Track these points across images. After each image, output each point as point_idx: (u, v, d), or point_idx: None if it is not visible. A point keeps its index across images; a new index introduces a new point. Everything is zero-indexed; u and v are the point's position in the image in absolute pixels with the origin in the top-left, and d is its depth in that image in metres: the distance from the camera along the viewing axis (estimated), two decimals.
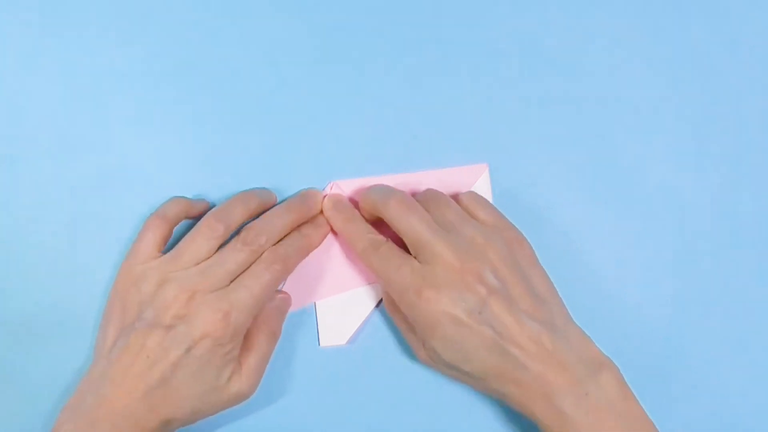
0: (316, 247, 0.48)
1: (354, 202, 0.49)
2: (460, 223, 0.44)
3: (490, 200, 0.50)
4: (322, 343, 0.50)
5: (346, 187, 0.49)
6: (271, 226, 0.46)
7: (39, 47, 0.49)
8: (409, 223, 0.44)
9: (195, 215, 0.47)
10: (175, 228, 0.47)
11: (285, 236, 0.47)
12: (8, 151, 0.49)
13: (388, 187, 0.47)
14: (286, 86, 0.50)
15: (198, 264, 0.44)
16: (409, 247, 0.45)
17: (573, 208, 0.50)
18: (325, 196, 0.49)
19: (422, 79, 0.50)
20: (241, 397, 0.45)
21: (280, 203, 0.48)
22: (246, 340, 0.45)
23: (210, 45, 0.50)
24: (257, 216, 0.47)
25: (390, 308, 0.48)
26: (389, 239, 0.46)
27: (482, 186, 0.50)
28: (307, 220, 0.48)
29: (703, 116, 0.51)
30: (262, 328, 0.46)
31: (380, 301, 0.50)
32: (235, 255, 0.44)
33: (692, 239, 0.51)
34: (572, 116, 0.51)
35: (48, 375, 0.48)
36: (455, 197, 0.47)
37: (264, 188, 0.49)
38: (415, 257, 0.45)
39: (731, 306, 0.50)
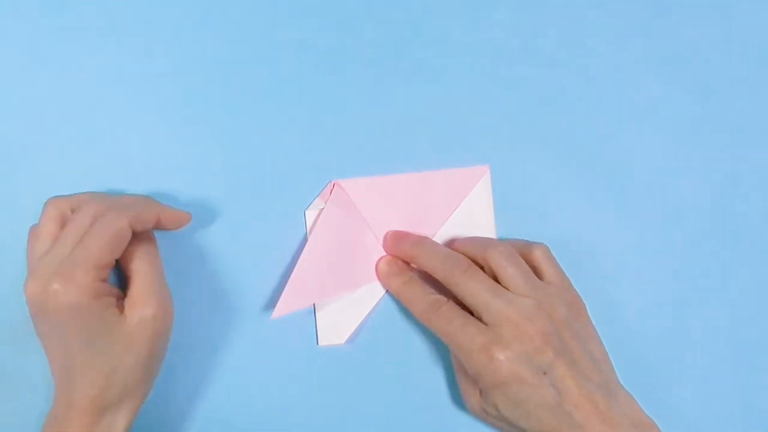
0: (174, 223, 0.46)
1: (371, 201, 0.49)
2: (526, 284, 0.45)
3: (491, 201, 0.50)
4: (320, 342, 0.50)
5: (347, 186, 0.49)
6: (114, 197, 0.46)
7: (39, 47, 0.49)
8: (471, 290, 0.45)
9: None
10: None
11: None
12: (8, 151, 0.48)
13: (444, 250, 0.47)
14: (288, 86, 0.49)
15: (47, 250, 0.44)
16: (473, 311, 0.45)
17: (573, 209, 0.50)
18: (380, 260, 0.49)
19: (424, 80, 0.50)
20: (154, 322, 0.44)
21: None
22: (126, 272, 0.45)
23: (211, 45, 0.49)
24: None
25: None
26: (449, 299, 0.46)
27: (483, 187, 0.50)
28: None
29: (705, 116, 0.51)
30: (136, 251, 0.45)
31: (379, 301, 0.50)
32: (71, 226, 0.43)
33: (694, 239, 0.51)
34: (573, 117, 0.50)
35: (47, 375, 0.48)
36: (529, 250, 0.47)
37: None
38: (478, 318, 0.45)
39: (731, 306, 0.51)
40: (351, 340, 0.50)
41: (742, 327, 0.51)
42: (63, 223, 0.45)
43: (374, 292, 0.50)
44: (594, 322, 0.47)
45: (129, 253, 0.45)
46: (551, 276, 0.46)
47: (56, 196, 0.46)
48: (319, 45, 0.50)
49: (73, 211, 0.45)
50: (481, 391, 0.46)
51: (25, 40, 0.49)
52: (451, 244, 0.49)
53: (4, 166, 0.48)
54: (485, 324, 0.44)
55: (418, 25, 0.50)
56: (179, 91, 0.49)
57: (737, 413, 0.50)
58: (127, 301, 0.44)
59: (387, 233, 0.49)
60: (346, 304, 0.49)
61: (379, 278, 0.49)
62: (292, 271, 0.48)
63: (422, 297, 0.47)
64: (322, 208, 0.49)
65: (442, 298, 0.46)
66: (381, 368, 0.50)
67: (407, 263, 0.49)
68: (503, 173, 0.50)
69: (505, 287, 0.45)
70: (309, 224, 0.49)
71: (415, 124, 0.50)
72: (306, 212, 0.49)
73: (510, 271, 0.45)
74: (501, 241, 0.47)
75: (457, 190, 0.50)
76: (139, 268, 0.45)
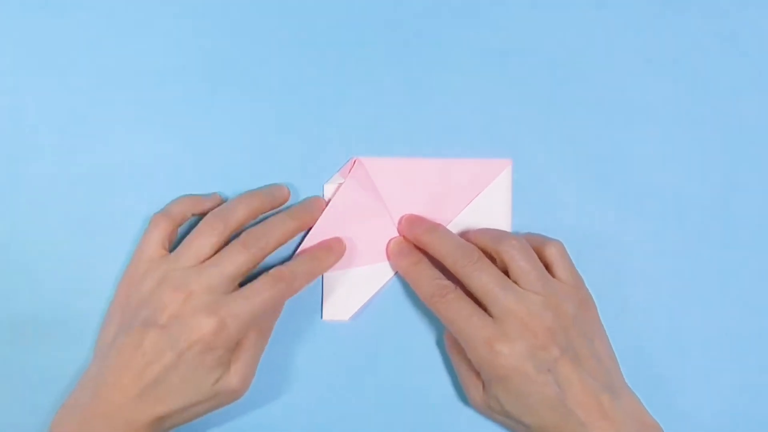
0: (326, 270, 0.48)
1: (387, 181, 0.50)
2: (537, 280, 0.45)
3: (510, 195, 0.50)
4: (324, 317, 0.50)
5: (368, 164, 0.50)
6: (272, 231, 0.46)
7: (39, 47, 0.50)
8: (480, 281, 0.45)
9: (205, 211, 0.47)
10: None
11: (294, 254, 0.48)
12: (9, 150, 0.49)
13: (456, 239, 0.47)
14: (320, 64, 0.50)
15: (198, 263, 0.44)
16: (480, 302, 0.45)
17: (589, 210, 0.50)
18: (390, 241, 0.49)
19: (455, 69, 0.50)
20: (233, 396, 0.45)
21: (282, 210, 0.48)
22: None
23: (235, 26, 0.50)
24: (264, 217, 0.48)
25: (451, 348, 0.48)
26: (457, 287, 0.46)
27: (503, 180, 0.50)
28: (321, 243, 0.49)
29: (710, 115, 0.51)
30: (253, 327, 0.46)
31: (387, 282, 0.50)
32: (234, 257, 0.44)
33: (711, 236, 0.50)
34: (593, 119, 0.50)
35: (49, 374, 0.49)
36: (544, 246, 0.47)
37: (277, 185, 0.49)
38: (485, 310, 0.45)
39: (731, 306, 0.50)
40: (355, 317, 0.50)
41: (743, 326, 0.50)
42: (222, 243, 0.45)
43: (383, 272, 0.50)
44: (605, 319, 0.47)
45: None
46: (563, 274, 0.46)
47: (224, 213, 0.46)
48: (350, 23, 0.50)
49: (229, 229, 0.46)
50: (484, 385, 0.46)
51: (25, 40, 0.50)
52: (464, 234, 0.49)
53: (4, 166, 0.49)
54: (491, 316, 0.44)
55: (454, 14, 0.51)
56: (204, 73, 0.50)
57: (737, 412, 0.49)
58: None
59: (402, 216, 0.50)
60: (354, 281, 0.49)
61: (389, 258, 0.49)
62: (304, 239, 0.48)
63: (430, 281, 0.47)
64: (341, 183, 0.49)
65: (450, 285, 0.46)
66: (382, 349, 0.50)
67: (419, 248, 0.49)
68: (523, 169, 0.50)
69: (514, 281, 0.45)
70: (327, 198, 0.50)
71: (442, 111, 0.50)
72: (325, 186, 0.50)
73: (521, 265, 0.45)
74: (515, 234, 0.47)
75: (477, 181, 0.50)
76: (252, 343, 0.45)
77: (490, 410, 0.46)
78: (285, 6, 0.50)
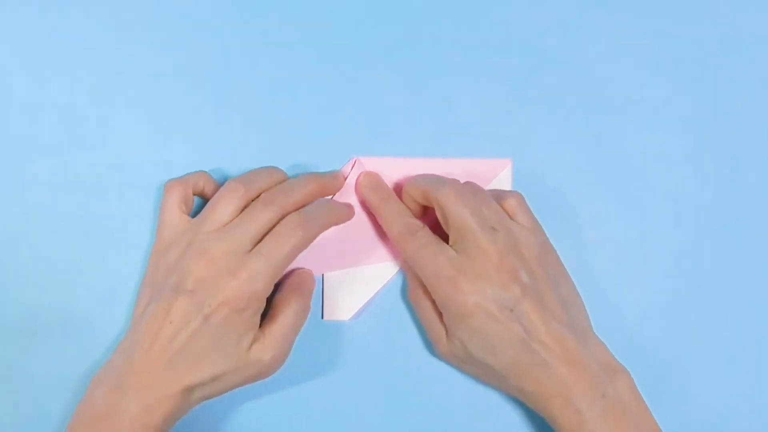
0: (342, 221, 0.48)
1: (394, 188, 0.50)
2: (500, 222, 0.45)
3: None
4: (325, 317, 0.50)
5: (368, 164, 0.50)
6: (292, 190, 0.46)
7: (39, 47, 0.50)
8: (461, 212, 0.44)
9: (215, 190, 0.47)
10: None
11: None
12: (8, 151, 0.49)
13: (440, 176, 0.48)
14: (320, 64, 0.50)
15: (221, 227, 0.44)
16: (452, 234, 0.45)
17: (586, 209, 0.50)
18: (360, 174, 0.49)
19: (455, 71, 0.50)
20: (264, 367, 0.44)
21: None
22: (273, 309, 0.46)
23: (236, 27, 0.50)
24: None
25: (414, 297, 0.48)
26: (425, 225, 0.46)
27: (503, 180, 0.50)
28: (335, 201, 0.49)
29: (714, 116, 0.51)
30: (291, 300, 0.46)
31: (388, 282, 0.50)
32: (255, 215, 0.44)
33: (714, 236, 0.50)
34: (589, 117, 0.51)
35: (51, 374, 0.48)
36: (502, 197, 0.47)
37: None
38: (452, 246, 0.45)
39: (731, 306, 0.50)
40: (355, 317, 0.50)
41: (742, 327, 0.50)
42: (243, 207, 0.45)
43: (384, 272, 0.50)
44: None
45: (291, 290, 0.46)
46: (524, 220, 0.46)
47: (245, 178, 0.46)
48: (349, 23, 0.50)
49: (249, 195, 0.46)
50: (447, 332, 0.46)
51: (26, 40, 0.50)
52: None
53: (4, 166, 0.49)
54: (457, 252, 0.44)
55: (454, 14, 0.51)
56: (204, 73, 0.50)
57: (736, 413, 0.49)
58: (260, 330, 0.45)
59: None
60: (355, 281, 0.49)
61: (358, 192, 0.49)
62: None
63: (399, 218, 0.47)
64: None
65: (419, 224, 0.46)
66: (382, 349, 0.50)
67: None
68: (523, 169, 0.50)
69: None
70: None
71: (442, 111, 0.50)
72: None
73: (483, 211, 0.45)
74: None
75: (477, 181, 0.49)
76: (288, 315, 0.45)
77: (455, 358, 0.46)
78: (284, 6, 0.50)
